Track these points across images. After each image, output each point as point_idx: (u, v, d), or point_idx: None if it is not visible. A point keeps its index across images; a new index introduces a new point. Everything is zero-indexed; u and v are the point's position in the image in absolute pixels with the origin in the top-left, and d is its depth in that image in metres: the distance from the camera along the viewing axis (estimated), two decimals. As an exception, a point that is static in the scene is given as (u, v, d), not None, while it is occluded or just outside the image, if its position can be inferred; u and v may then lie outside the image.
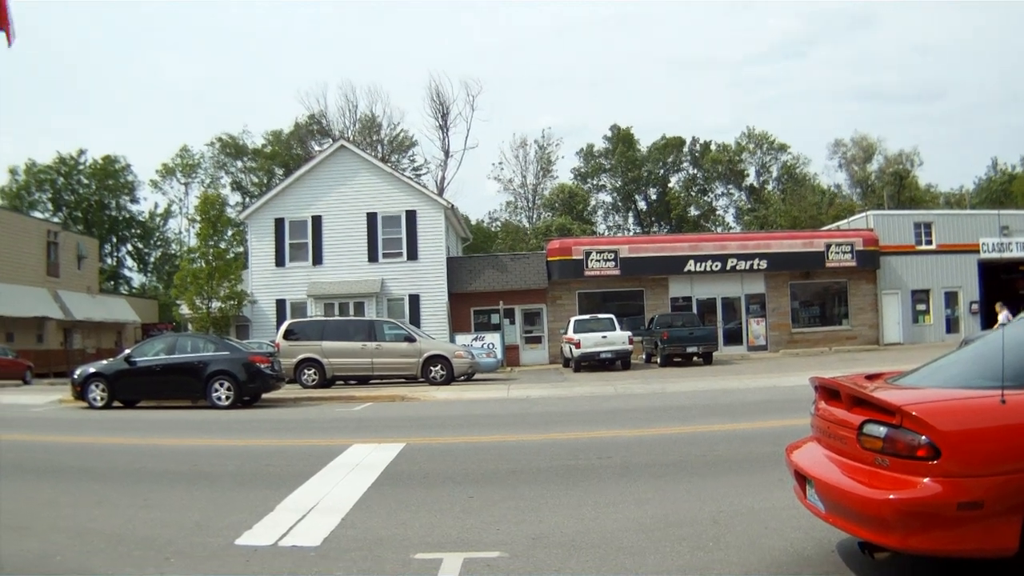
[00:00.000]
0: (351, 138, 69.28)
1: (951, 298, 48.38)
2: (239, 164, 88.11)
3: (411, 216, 41.60)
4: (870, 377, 7.30)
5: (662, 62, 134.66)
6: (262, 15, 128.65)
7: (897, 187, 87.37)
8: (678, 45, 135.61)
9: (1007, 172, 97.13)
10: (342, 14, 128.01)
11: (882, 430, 5.74)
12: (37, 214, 74.28)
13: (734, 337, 45.32)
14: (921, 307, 47.97)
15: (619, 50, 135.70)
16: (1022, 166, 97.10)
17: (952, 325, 47.83)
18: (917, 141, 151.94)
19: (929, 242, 48.26)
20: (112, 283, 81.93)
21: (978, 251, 48.47)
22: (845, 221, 56.73)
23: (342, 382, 30.04)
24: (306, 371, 29.20)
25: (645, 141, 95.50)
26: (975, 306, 47.77)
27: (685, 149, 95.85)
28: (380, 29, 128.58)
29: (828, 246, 46.09)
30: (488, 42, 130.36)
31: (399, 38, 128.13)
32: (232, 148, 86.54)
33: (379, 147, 77.74)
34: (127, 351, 24.82)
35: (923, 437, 5.48)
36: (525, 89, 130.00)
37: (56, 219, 74.87)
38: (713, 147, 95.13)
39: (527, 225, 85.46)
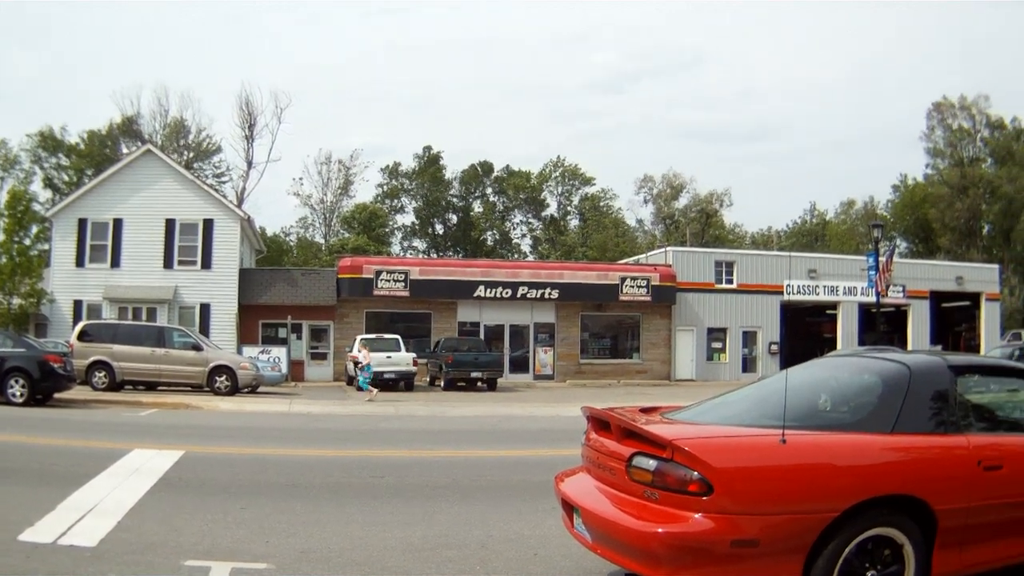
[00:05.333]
0: (160, 143, 67.56)
1: (750, 337, 48.23)
2: (54, 161, 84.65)
3: (208, 225, 40.77)
4: (646, 410, 7.27)
5: (485, 89, 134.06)
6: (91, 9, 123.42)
7: (703, 225, 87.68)
8: (504, 74, 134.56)
9: (822, 216, 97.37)
10: (170, 14, 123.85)
11: (652, 463, 5.61)
12: None
13: (521, 365, 44.77)
14: (717, 345, 47.71)
15: (441, 76, 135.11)
16: (840, 211, 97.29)
17: (749, 364, 47.49)
18: (732, 182, 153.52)
19: (730, 281, 47.86)
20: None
21: (782, 292, 48.35)
22: (644, 255, 56.21)
23: (131, 386, 29.33)
24: (97, 373, 28.40)
25: (458, 166, 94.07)
26: (774, 347, 47.57)
27: (491, 176, 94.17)
28: (200, 34, 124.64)
29: (623, 279, 45.33)
30: (309, 59, 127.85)
31: (218, 46, 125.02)
32: (51, 143, 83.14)
33: (185, 153, 75.99)
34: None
35: (695, 472, 5.35)
36: (343, 108, 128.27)
37: None
38: (519, 173, 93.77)
39: (322, 242, 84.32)
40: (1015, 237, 77.43)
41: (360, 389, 30.04)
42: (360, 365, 30.55)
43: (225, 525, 8.92)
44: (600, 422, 6.56)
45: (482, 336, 42.99)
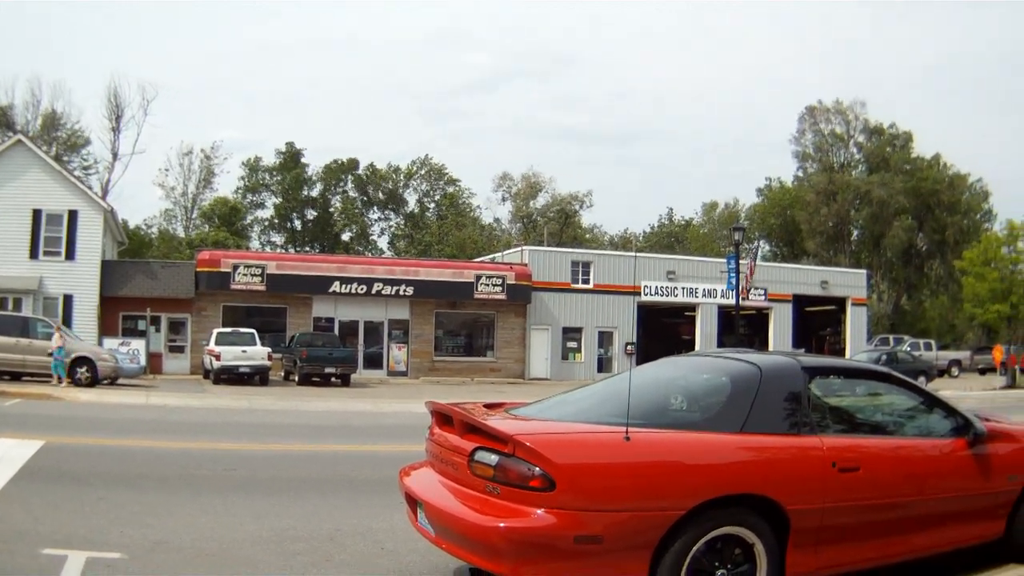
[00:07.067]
0: (31, 134, 65.71)
1: (606, 338, 47.82)
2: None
3: (73, 216, 39.79)
4: (490, 406, 7.05)
5: (357, 89, 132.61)
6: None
7: (561, 225, 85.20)
8: (376, 74, 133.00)
9: (679, 222, 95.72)
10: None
11: (494, 458, 5.44)
12: None
13: (375, 361, 44.10)
14: (572, 344, 47.15)
15: (314, 73, 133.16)
16: (702, 213, 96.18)
17: (605, 364, 46.59)
18: (599, 184, 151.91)
19: (587, 281, 47.06)
20: None
21: (639, 293, 47.33)
22: (500, 254, 54.88)
23: (-2, 376, 28.65)
24: (-35, 363, 27.75)
25: (323, 163, 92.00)
26: (630, 347, 45.78)
27: (353, 173, 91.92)
28: (72, 24, 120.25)
29: (478, 278, 44.85)
30: (178, 50, 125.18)
31: (89, 36, 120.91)
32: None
33: (55, 144, 73.90)
34: None
35: (537, 468, 5.19)
36: (214, 103, 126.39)
37: None
38: (383, 170, 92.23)
39: (183, 235, 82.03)
40: (886, 243, 77.30)
41: (60, 377, 27.98)
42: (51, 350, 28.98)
43: (83, 515, 8.88)
44: (443, 417, 6.40)
45: (337, 332, 42.36)
